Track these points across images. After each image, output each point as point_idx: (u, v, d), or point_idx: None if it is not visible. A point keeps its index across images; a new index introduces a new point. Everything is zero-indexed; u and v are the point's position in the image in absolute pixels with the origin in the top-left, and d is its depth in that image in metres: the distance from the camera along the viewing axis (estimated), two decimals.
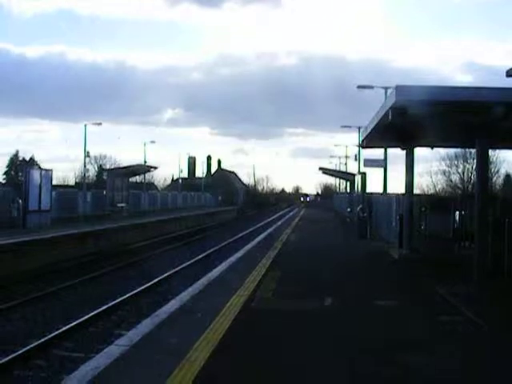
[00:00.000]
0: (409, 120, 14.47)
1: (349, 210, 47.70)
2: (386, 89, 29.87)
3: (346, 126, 53.24)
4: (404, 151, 20.91)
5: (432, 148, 23.30)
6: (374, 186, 41.22)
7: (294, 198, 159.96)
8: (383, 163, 30.77)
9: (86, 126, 51.13)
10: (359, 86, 34.57)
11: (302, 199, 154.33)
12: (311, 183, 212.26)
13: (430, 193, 67.74)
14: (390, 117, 14.12)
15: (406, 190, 21.11)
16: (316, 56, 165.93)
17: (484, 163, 15.21)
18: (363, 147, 25.32)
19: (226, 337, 9.02)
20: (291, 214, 72.34)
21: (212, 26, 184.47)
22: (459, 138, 18.37)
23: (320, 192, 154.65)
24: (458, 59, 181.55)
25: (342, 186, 73.86)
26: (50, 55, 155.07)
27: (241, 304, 11.55)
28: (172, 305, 11.53)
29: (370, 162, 33.10)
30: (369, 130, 18.86)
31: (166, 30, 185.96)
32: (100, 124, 54.86)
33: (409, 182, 21.02)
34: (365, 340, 9.18)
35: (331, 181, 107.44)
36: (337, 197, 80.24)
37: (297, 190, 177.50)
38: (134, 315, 15.69)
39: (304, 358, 8.15)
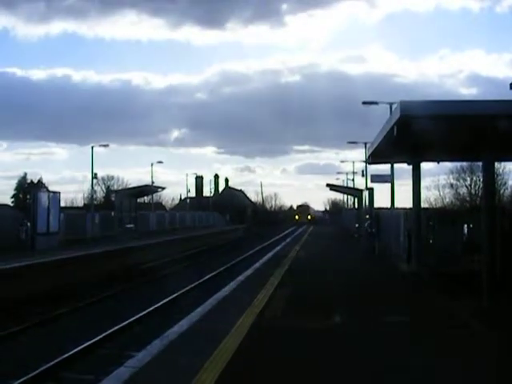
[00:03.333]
0: (414, 135, 14.50)
1: (357, 225, 47.67)
2: (390, 104, 29.87)
3: (352, 142, 53.25)
4: (410, 166, 20.92)
5: (438, 162, 23.32)
6: (382, 201, 41.25)
7: (293, 216, 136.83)
8: (390, 178, 30.74)
9: (92, 147, 51.27)
10: (364, 102, 34.62)
11: (296, 217, 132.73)
12: (319, 200, 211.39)
13: (437, 206, 67.52)
14: (394, 132, 14.13)
15: (413, 205, 21.08)
16: (319, 73, 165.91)
17: (490, 176, 15.19)
18: (370, 163, 25.39)
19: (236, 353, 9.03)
20: (300, 230, 72.22)
21: (215, 46, 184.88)
22: (465, 151, 18.37)
23: (328, 208, 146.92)
24: (461, 72, 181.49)
25: (350, 202, 73.84)
26: (55, 78, 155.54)
27: (250, 322, 11.56)
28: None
29: (377, 178, 33.08)
30: (375, 145, 18.86)
31: (169, 51, 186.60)
32: (107, 146, 55.01)
33: (416, 196, 20.99)
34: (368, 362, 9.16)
35: (339, 197, 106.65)
36: (345, 213, 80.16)
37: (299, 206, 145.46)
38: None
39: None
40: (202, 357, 8.93)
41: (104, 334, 16.07)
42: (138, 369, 8.45)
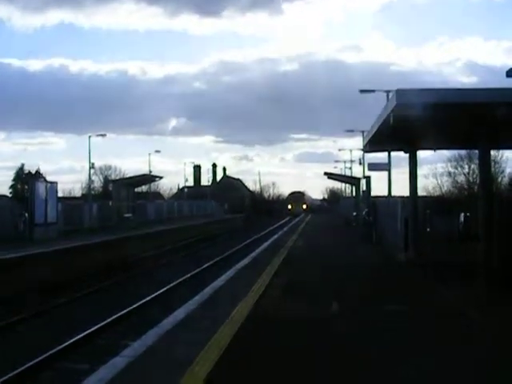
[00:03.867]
0: (410, 123, 14.48)
1: (354, 214, 47.70)
2: (387, 92, 29.80)
3: (349, 131, 53.34)
4: (407, 154, 20.92)
5: (435, 150, 23.33)
6: (381, 189, 41.22)
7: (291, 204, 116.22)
8: (387, 167, 30.73)
9: (90, 137, 51.36)
10: (362, 91, 34.63)
11: (289, 207, 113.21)
12: (318, 188, 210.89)
13: (435, 195, 67.49)
14: (391, 120, 14.13)
15: (409, 193, 21.08)
16: (317, 61, 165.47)
17: (486, 164, 15.20)
18: (367, 151, 25.39)
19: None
20: (297, 219, 72.31)
21: (212, 35, 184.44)
22: (461, 139, 18.37)
23: (327, 197, 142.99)
24: (459, 60, 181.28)
25: (348, 191, 73.79)
26: (52, 68, 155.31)
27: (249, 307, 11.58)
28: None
29: (374, 166, 33.07)
30: (371, 133, 18.86)
31: (166, 40, 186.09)
32: (104, 135, 55.05)
33: (412, 184, 20.99)
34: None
35: (338, 185, 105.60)
36: (343, 201, 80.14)
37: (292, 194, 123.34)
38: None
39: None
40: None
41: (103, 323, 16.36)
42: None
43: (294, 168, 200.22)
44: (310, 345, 9.33)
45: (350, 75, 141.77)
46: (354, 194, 54.71)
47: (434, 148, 22.42)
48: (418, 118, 13.45)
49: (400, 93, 12.94)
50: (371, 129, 18.85)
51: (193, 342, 9.31)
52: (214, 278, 17.69)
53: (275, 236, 38.61)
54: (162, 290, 22.17)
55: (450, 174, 70.19)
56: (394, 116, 13.68)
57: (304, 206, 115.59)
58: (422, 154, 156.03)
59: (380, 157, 33.33)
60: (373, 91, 33.71)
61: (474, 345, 9.25)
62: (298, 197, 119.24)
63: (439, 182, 72.44)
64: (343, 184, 79.72)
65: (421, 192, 23.20)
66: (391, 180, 32.03)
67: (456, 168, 69.49)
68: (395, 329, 10.42)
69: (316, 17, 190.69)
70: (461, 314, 11.53)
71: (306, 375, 7.80)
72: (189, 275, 26.58)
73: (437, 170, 72.98)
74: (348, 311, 12.04)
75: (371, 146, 20.99)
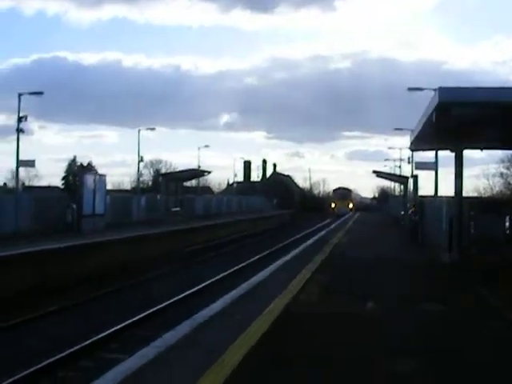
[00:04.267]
0: (453, 121, 14.34)
1: (402, 213, 47.29)
2: (436, 91, 29.41)
3: (398, 129, 52.66)
4: (453, 153, 20.63)
5: (482, 150, 22.96)
6: (430, 188, 40.63)
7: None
8: (434, 166, 30.38)
9: (139, 131, 51.91)
10: (410, 89, 34.33)
11: (332, 205, 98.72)
12: (368, 187, 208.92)
13: (486, 195, 66.48)
14: (433, 118, 14.01)
15: (455, 193, 20.79)
16: (370, 59, 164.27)
17: None
18: (412, 150, 25.16)
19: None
20: (344, 218, 71.97)
21: (265, 31, 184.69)
22: (507, 139, 18.07)
23: (377, 195, 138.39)
24: None
25: (398, 190, 73.09)
26: (106, 62, 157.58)
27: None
28: None
29: (422, 165, 32.75)
30: (416, 132, 18.72)
31: (219, 36, 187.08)
32: (153, 129, 55.53)
33: (458, 184, 20.70)
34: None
35: (388, 184, 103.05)
36: (392, 200, 79.45)
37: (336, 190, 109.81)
38: None
39: None
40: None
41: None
42: None
43: (345, 166, 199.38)
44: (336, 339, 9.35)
45: (403, 73, 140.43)
46: (402, 192, 54.25)
47: (481, 147, 22.09)
48: (461, 117, 13.31)
49: (443, 90, 12.83)
50: (416, 127, 18.70)
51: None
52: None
53: (322, 233, 38.66)
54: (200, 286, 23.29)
55: (502, 174, 69.14)
56: (437, 114, 13.56)
57: (350, 205, 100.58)
58: (474, 155, 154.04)
59: (430, 156, 32.98)
60: (421, 89, 33.31)
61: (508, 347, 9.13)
62: (343, 194, 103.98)
63: (490, 182, 71.43)
64: (393, 183, 79.03)
65: (472, 193, 22.94)
66: (438, 179, 31.68)
67: (508, 169, 68.42)
68: (429, 327, 10.37)
69: (369, 14, 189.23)
70: (498, 316, 11.36)
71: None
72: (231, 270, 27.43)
73: (489, 170, 71.98)
74: (383, 309, 11.99)
75: (417, 144, 20.81)
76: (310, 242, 30.08)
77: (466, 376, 7.64)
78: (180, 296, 20.49)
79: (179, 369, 7.51)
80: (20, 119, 34.10)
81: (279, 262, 19.95)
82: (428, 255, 22.73)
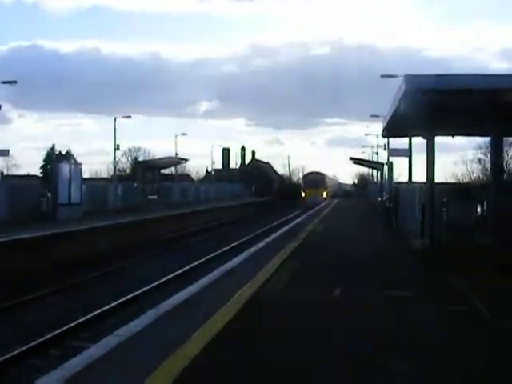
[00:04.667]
0: (421, 109, 14.38)
1: (379, 199, 47.45)
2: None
3: (374, 116, 52.88)
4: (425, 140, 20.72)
5: (452, 137, 23.09)
6: (407, 175, 40.86)
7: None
8: (407, 152, 30.55)
9: (115, 118, 51.76)
10: (382, 76, 34.58)
11: (303, 194, 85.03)
12: (348, 173, 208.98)
13: (465, 181, 67.01)
14: (401, 106, 14.07)
15: (426, 179, 20.88)
16: (348, 46, 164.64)
17: (498, 150, 15.05)
18: (384, 136, 25.24)
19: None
20: (322, 204, 72.23)
21: (244, 18, 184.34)
22: (474, 126, 18.18)
23: (357, 182, 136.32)
24: (493, 46, 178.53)
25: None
26: (84, 50, 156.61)
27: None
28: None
29: (395, 152, 32.87)
30: (387, 119, 18.78)
31: (198, 23, 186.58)
32: (129, 117, 55.40)
33: (430, 170, 20.79)
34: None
35: (368, 171, 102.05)
36: (371, 187, 79.71)
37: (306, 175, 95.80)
38: None
39: None
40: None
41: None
42: None
43: (325, 152, 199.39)
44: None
45: (381, 60, 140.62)
46: (379, 179, 54.44)
47: (452, 134, 22.21)
48: (428, 104, 13.38)
49: (408, 78, 12.88)
50: (386, 114, 18.77)
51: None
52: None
53: (298, 219, 38.82)
54: (176, 273, 23.48)
55: (479, 160, 69.67)
56: (404, 101, 13.62)
57: (324, 194, 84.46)
58: (453, 141, 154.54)
59: (406, 142, 33.13)
60: (394, 76, 33.43)
61: (471, 332, 9.24)
62: (314, 180, 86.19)
63: (469, 168, 71.94)
64: (371, 169, 79.30)
65: (450, 179, 23.08)
66: (412, 166, 31.88)
67: (485, 155, 68.94)
68: (394, 312, 10.49)
69: (348, 0, 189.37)
70: (465, 302, 11.47)
71: None
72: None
73: (467, 156, 72.47)
74: (349, 295, 12.08)
75: (388, 131, 20.92)
76: (285, 229, 30.17)
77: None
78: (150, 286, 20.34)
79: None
80: None
81: (252, 249, 20.07)
82: (401, 242, 22.88)
